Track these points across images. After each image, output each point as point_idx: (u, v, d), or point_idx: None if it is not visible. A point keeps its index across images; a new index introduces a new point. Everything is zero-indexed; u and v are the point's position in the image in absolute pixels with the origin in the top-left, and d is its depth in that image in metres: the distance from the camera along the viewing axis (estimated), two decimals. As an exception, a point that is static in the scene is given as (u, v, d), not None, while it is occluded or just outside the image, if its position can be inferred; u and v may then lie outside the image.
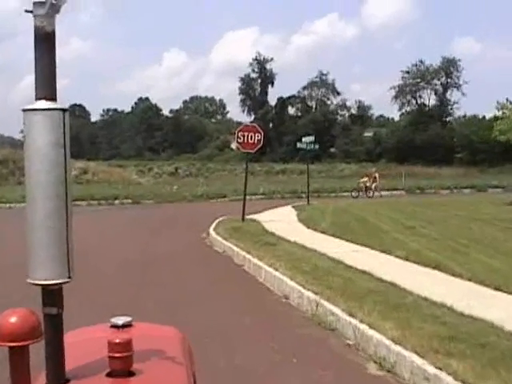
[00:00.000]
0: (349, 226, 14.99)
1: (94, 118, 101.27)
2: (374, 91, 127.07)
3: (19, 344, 1.42)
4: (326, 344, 6.22)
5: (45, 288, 1.54)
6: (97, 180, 43.84)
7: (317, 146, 24.74)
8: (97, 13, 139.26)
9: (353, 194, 33.18)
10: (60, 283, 1.54)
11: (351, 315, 6.50)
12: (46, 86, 1.53)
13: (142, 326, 2.04)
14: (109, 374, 1.60)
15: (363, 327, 6.10)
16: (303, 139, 24.51)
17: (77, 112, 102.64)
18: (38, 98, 1.52)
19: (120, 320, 1.94)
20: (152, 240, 14.57)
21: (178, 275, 9.93)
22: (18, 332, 1.42)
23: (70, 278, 1.55)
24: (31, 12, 1.51)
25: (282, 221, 17.07)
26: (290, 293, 8.27)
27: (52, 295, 1.55)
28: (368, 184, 34.28)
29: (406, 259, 9.97)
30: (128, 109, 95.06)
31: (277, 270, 9.30)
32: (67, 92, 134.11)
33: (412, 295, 7.28)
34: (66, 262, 1.53)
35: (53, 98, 1.53)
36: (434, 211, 19.26)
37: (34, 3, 1.51)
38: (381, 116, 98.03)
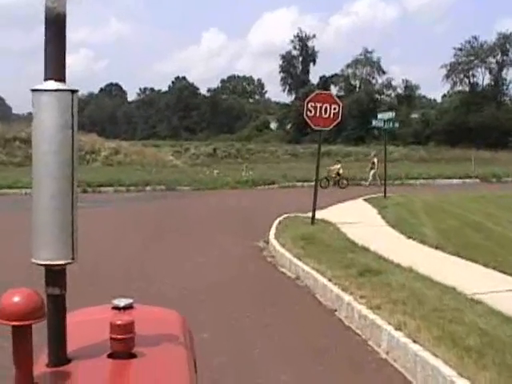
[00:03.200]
0: (467, 237, 10.66)
1: (131, 97, 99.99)
2: (414, 73, 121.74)
3: (22, 323, 1.36)
4: None
5: (48, 268, 1.53)
6: (129, 161, 40.09)
7: (396, 125, 20.30)
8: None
9: (322, 184, 25.74)
10: (63, 264, 1.53)
11: None
12: (56, 66, 1.52)
13: (143, 308, 1.99)
14: (110, 356, 1.58)
15: None
16: (379, 115, 20.14)
17: (113, 91, 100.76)
18: (46, 79, 1.51)
19: (121, 302, 1.89)
20: (184, 251, 10.55)
21: (228, 339, 5.81)
22: (22, 311, 1.36)
23: (73, 259, 1.54)
24: None
25: (363, 223, 12.77)
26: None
27: (55, 276, 1.54)
28: (341, 172, 28.34)
29: None
30: (165, 88, 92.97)
31: (414, 339, 5.15)
32: (106, 72, 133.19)
33: None
34: (71, 243, 1.53)
35: (62, 79, 1.52)
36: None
37: None
38: (423, 97, 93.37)
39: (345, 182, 28.00)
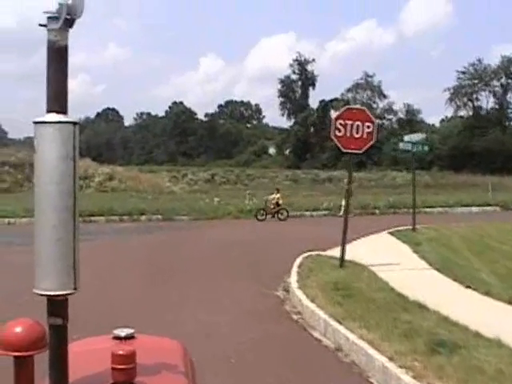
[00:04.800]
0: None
1: (127, 122, 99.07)
2: (411, 98, 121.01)
3: (24, 354, 1.37)
4: None
5: (50, 299, 1.51)
6: (124, 188, 38.04)
7: (426, 148, 18.24)
8: (134, 20, 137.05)
9: (258, 216, 23.69)
10: (66, 294, 1.51)
11: None
12: (58, 99, 1.51)
13: (145, 338, 1.96)
14: None
15: None
16: (406, 138, 18.14)
17: (110, 116, 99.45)
18: (49, 111, 1.51)
19: (123, 332, 1.87)
20: (184, 303, 8.46)
21: None
22: (24, 342, 1.36)
23: (75, 289, 1.52)
24: (45, 26, 1.48)
25: (401, 265, 10.63)
26: None
27: (57, 306, 1.52)
28: (280, 202, 24.40)
29: None
30: (162, 113, 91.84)
31: None
32: (103, 97, 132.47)
33: None
34: (73, 273, 1.50)
35: (64, 111, 1.52)
36: None
37: (48, 17, 1.48)
38: (422, 122, 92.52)
39: (285, 213, 24.30)
